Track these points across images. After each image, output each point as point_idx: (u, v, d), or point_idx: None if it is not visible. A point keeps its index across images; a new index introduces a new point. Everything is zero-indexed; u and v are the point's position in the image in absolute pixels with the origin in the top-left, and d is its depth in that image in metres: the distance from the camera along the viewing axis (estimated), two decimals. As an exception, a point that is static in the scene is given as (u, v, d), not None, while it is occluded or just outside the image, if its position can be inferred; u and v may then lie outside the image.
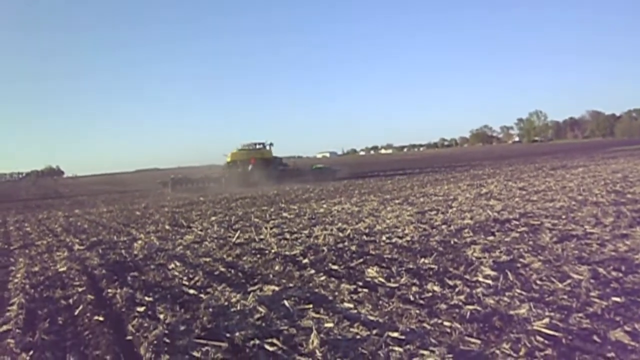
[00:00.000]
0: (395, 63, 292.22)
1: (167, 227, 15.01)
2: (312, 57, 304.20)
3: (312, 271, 7.74)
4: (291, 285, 7.11)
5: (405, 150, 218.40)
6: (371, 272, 7.32)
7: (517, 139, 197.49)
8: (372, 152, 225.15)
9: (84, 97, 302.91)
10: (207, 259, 9.49)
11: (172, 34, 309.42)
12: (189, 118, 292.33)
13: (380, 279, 6.91)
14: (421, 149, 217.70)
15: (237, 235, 11.82)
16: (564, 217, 10.81)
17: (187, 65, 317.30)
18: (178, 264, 9.21)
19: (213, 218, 16.52)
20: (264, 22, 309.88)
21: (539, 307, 5.25)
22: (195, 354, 4.83)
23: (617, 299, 5.30)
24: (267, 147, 42.03)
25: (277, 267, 8.26)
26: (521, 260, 7.36)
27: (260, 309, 6.02)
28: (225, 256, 9.69)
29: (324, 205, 17.75)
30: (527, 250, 7.92)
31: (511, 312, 5.22)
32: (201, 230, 13.56)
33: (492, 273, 6.70)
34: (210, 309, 6.19)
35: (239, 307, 6.21)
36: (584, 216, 10.65)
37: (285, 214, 15.90)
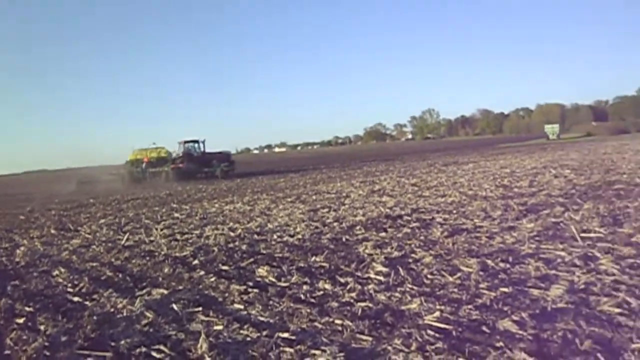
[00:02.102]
0: (289, 61, 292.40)
1: (52, 231, 14.27)
2: (207, 54, 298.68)
3: (202, 272, 7.64)
4: (181, 287, 6.97)
5: (299, 148, 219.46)
6: (262, 271, 7.31)
7: (410, 136, 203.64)
8: (265, 150, 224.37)
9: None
10: (94, 264, 9.12)
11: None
12: (76, 117, 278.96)
13: (271, 279, 6.91)
14: (315, 147, 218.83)
15: (126, 237, 11.46)
16: (454, 211, 11.28)
17: (77, 58, 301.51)
18: (63, 270, 8.78)
19: (102, 220, 15.87)
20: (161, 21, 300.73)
21: (430, 301, 5.43)
22: (77, 365, 4.64)
23: (505, 290, 5.58)
24: (200, 144, 41.54)
25: (166, 270, 8.08)
26: (413, 255, 7.57)
27: (148, 314, 5.85)
28: (113, 260, 9.36)
29: (216, 205, 17.53)
30: (418, 246, 8.17)
31: (402, 308, 5.35)
32: (89, 234, 13.02)
33: (384, 269, 6.84)
34: (95, 317, 5.94)
35: (125, 314, 6.00)
36: (474, 210, 11.16)
37: (176, 215, 15.55)
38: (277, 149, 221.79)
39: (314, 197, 17.45)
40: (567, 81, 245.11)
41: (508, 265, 6.55)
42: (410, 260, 7.32)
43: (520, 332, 4.44)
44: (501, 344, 4.24)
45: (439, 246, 8.01)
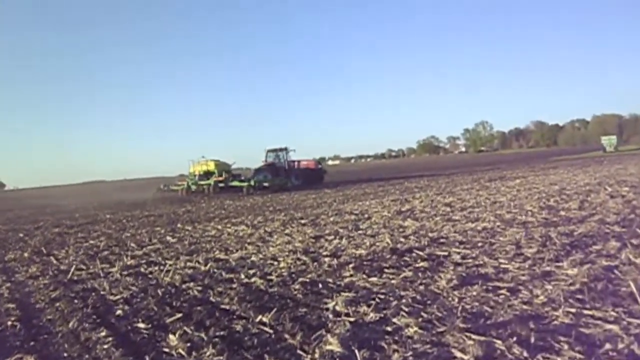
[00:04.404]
0: (341, 73, 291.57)
1: (26, 254, 12.61)
2: (258, 66, 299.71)
3: (104, 333, 5.58)
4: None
5: (352, 161, 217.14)
6: (173, 339, 5.12)
7: (463, 149, 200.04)
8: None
9: (23, 106, 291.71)
10: (12, 305, 7.28)
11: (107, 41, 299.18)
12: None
13: (180, 351, 4.80)
14: (368, 159, 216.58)
15: (72, 271, 9.51)
16: (480, 244, 8.83)
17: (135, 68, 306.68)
18: (-29, 315, 6.96)
19: (91, 242, 14.15)
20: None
21: None
22: None
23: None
24: (286, 153, 41.61)
25: (71, 324, 6.06)
26: (394, 321, 5.14)
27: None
28: (40, 300, 7.50)
29: (219, 227, 15.53)
30: (409, 303, 5.71)
31: None
32: (59, 260, 11.26)
33: (338, 349, 4.50)
34: None
35: None
36: (505, 242, 8.68)
37: (169, 238, 13.62)
38: (330, 162, 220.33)
39: (332, 218, 15.25)
40: (624, 90, 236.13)
41: (526, 354, 4.01)
42: (388, 329, 4.93)
43: None
44: None
45: (437, 305, 5.51)
